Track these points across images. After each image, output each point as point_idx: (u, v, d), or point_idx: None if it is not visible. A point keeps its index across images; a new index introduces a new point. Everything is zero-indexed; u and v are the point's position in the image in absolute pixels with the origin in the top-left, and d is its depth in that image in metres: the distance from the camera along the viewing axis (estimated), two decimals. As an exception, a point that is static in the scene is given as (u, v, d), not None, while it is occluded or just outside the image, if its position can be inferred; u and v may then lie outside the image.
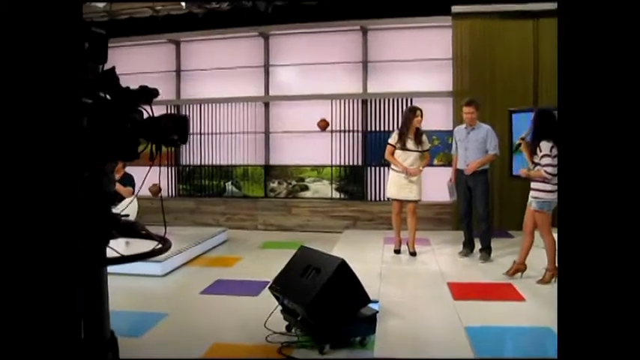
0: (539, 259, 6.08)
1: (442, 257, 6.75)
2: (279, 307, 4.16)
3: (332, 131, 9.41)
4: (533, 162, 5.39)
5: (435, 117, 8.49)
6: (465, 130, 6.62)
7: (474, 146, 6.50)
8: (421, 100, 8.64)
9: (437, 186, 7.41)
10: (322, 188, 9.52)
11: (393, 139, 6.78)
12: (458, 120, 8.50)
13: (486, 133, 6.50)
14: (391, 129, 9.05)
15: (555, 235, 5.13)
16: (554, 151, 5.21)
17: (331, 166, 9.47)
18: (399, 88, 9.17)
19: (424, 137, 6.70)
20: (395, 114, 9.20)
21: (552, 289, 5.35)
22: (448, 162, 8.65)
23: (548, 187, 5.27)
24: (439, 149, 8.83)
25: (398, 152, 6.67)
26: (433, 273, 5.95)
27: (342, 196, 9.44)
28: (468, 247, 6.77)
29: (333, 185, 9.48)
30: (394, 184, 6.72)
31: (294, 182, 9.64)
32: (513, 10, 8.40)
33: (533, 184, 5.40)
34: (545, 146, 5.23)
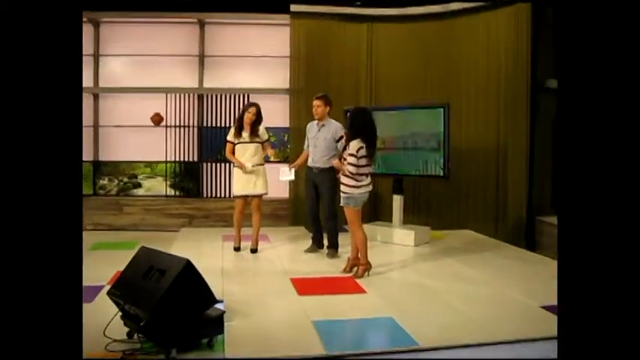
0: (380, 253, 6.35)
1: (284, 253, 6.77)
2: (120, 314, 3.88)
3: (166, 126, 9.05)
4: (343, 157, 5.52)
5: (272, 113, 8.46)
6: (316, 126, 6.56)
7: (322, 144, 6.44)
8: (258, 96, 8.58)
9: (273, 182, 7.37)
10: (156, 185, 9.13)
11: (230, 135, 6.69)
12: (294, 117, 8.62)
13: (335, 130, 6.42)
14: (228, 125, 8.93)
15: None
16: (362, 152, 5.33)
17: (165, 162, 9.12)
18: (237, 83, 9.06)
19: (261, 128, 6.63)
20: (231, 110, 9.07)
21: (390, 281, 5.59)
22: (284, 159, 8.73)
23: (352, 182, 5.39)
24: (274, 146, 8.80)
25: (237, 147, 6.58)
26: (276, 269, 5.94)
27: (177, 193, 9.13)
28: (316, 244, 6.79)
29: (168, 182, 9.14)
30: (239, 181, 6.61)
31: (125, 179, 9.13)
32: (349, 13, 8.67)
33: (341, 179, 5.50)
34: (353, 145, 5.34)
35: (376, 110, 6.65)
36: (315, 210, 6.67)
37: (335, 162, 5.71)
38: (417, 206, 8.57)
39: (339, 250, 6.55)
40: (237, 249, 6.76)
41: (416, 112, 7.29)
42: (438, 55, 8.55)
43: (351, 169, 5.32)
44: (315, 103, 6.49)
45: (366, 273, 5.52)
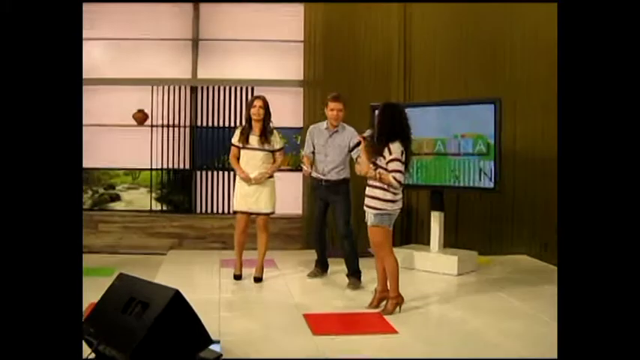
0: (415, 284, 6.32)
1: (294, 283, 6.78)
2: (92, 355, 3.89)
3: (152, 125, 9.11)
4: (374, 163, 5.41)
5: (282, 111, 8.46)
6: (326, 131, 6.65)
7: (335, 152, 6.55)
8: (265, 89, 8.56)
9: (283, 195, 7.39)
10: (139, 198, 9.17)
11: (235, 137, 6.75)
12: (309, 114, 8.62)
13: (351, 136, 6.45)
14: (227, 125, 8.97)
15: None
16: (402, 156, 5.32)
17: (150, 170, 9.17)
18: (238, 74, 9.10)
19: (275, 134, 6.69)
20: (232, 106, 9.11)
21: (427, 318, 5.55)
22: (296, 167, 8.73)
23: (388, 195, 5.35)
24: (285, 150, 8.81)
25: (242, 153, 6.66)
26: (285, 303, 5.94)
27: (165, 207, 9.17)
28: (320, 267, 6.90)
29: (153, 194, 9.18)
30: (239, 193, 6.66)
31: (101, 190, 9.19)
32: (377, -11, 8.70)
33: (370, 192, 5.44)
34: (395, 148, 5.30)
35: (411, 107, 6.65)
36: (322, 226, 6.82)
37: (365, 169, 5.53)
38: (459, 225, 8.53)
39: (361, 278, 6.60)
40: (237, 277, 6.76)
41: (460, 109, 7.27)
42: (489, 41, 8.49)
43: (400, 177, 5.28)
44: (336, 106, 6.55)
45: (397, 308, 5.49)
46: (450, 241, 7.93)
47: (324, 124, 6.71)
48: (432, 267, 7.28)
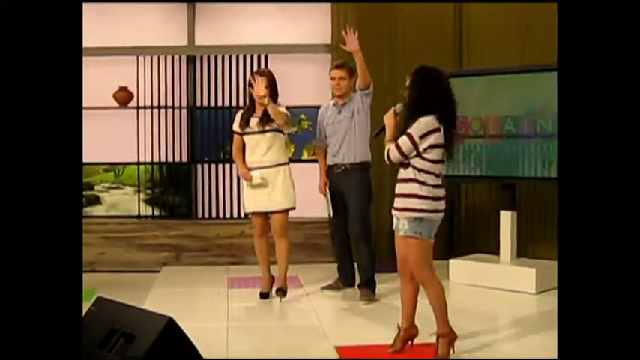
0: (479, 307, 6.23)
1: (322, 304, 6.79)
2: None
3: (138, 107, 9.15)
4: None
5: (304, 85, 8.48)
6: (334, 108, 6.87)
7: (352, 133, 6.77)
8: (282, 58, 8.59)
9: (307, 193, 7.34)
10: (124, 200, 9.21)
11: (235, 122, 6.88)
12: (339, 89, 8.59)
13: (359, 99, 6.75)
14: (234, 104, 8.95)
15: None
16: (438, 138, 4.96)
17: (137, 164, 9.21)
18: (247, 39, 9.09)
19: (281, 109, 6.61)
20: (240, 80, 9.07)
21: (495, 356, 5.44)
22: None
23: (425, 189, 4.97)
24: (308, 136, 8.79)
25: (246, 140, 6.75)
26: (311, 331, 5.92)
27: (158, 212, 9.21)
28: (343, 279, 7.10)
29: (142, 195, 9.21)
30: (248, 191, 6.73)
31: (76, 191, 9.22)
32: None
33: (401, 188, 5.11)
34: (420, 124, 4.95)
35: (470, 75, 6.56)
36: (342, 226, 6.94)
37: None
38: (537, 228, 8.41)
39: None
40: (264, 295, 6.83)
41: (537, 78, 7.15)
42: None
43: (395, 154, 4.94)
44: (337, 73, 6.79)
45: (451, 348, 5.11)
46: (526, 249, 7.81)
47: (332, 101, 6.98)
48: (502, 283, 7.17)
